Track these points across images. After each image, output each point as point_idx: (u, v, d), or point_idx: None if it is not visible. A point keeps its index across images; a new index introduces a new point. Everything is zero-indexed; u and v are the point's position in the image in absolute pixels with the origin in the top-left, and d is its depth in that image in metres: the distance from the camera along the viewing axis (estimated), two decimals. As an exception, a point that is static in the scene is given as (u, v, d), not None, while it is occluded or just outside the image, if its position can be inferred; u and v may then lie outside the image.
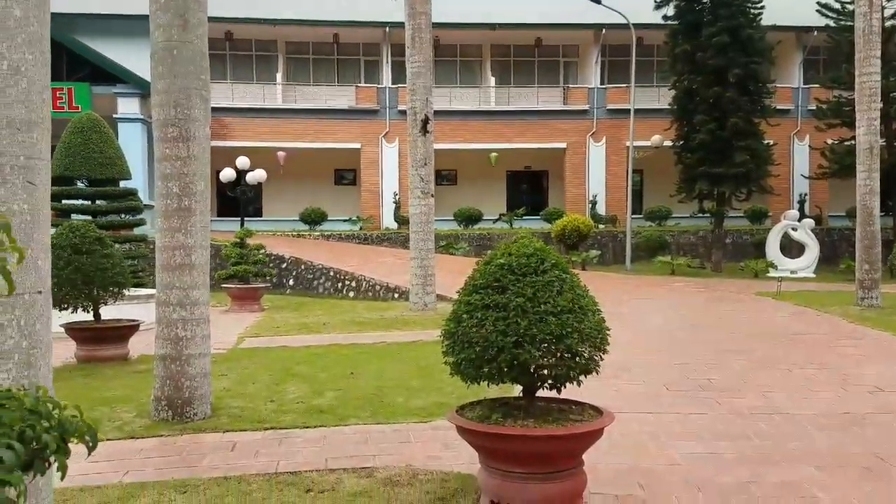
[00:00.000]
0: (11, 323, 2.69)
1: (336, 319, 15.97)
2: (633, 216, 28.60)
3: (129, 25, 29.42)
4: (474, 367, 5.26)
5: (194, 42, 7.30)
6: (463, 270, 20.29)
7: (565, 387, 5.43)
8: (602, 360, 5.46)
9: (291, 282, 22.98)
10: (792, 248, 27.60)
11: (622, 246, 27.98)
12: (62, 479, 1.94)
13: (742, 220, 31.30)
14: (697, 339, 11.98)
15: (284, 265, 23.19)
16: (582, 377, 5.33)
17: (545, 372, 5.29)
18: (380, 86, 33.63)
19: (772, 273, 24.79)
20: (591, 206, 32.28)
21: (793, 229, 26.84)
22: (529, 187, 36.34)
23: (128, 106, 28.14)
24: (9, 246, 1.69)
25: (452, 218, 31.54)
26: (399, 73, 33.30)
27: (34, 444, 1.81)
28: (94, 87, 27.38)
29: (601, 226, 30.37)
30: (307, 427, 6.75)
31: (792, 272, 25.33)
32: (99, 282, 10.96)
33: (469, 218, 31.60)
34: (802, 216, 29.65)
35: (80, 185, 20.89)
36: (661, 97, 31.73)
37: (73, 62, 27.23)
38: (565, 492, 5.12)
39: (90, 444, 2.00)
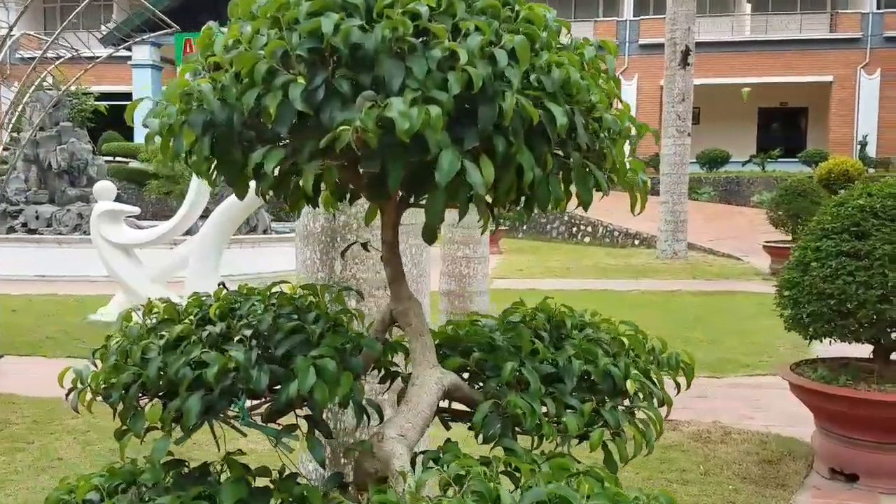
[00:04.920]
0: (404, 252, 2.51)
1: (579, 265, 15.79)
2: (910, 159, 25.28)
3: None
4: (825, 323, 4.72)
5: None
6: (710, 218, 18.90)
7: (933, 349, 4.75)
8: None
9: (524, 226, 22.89)
10: None
11: (898, 192, 24.83)
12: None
13: None
14: None
15: (519, 207, 23.13)
16: None
17: None
18: (619, 19, 32.23)
19: None
20: (860, 147, 28.93)
21: None
22: (783, 126, 33.28)
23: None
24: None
25: (695, 160, 29.74)
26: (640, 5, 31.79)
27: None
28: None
29: (871, 170, 27.18)
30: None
31: None
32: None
33: (714, 160, 29.60)
34: None
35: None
36: (952, 21, 27.49)
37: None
38: None
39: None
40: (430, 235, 1.41)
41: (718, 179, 27.68)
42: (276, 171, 1.30)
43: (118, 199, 11.69)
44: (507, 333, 1.65)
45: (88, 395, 1.52)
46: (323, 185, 1.43)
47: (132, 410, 1.44)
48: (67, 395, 1.55)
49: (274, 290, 1.70)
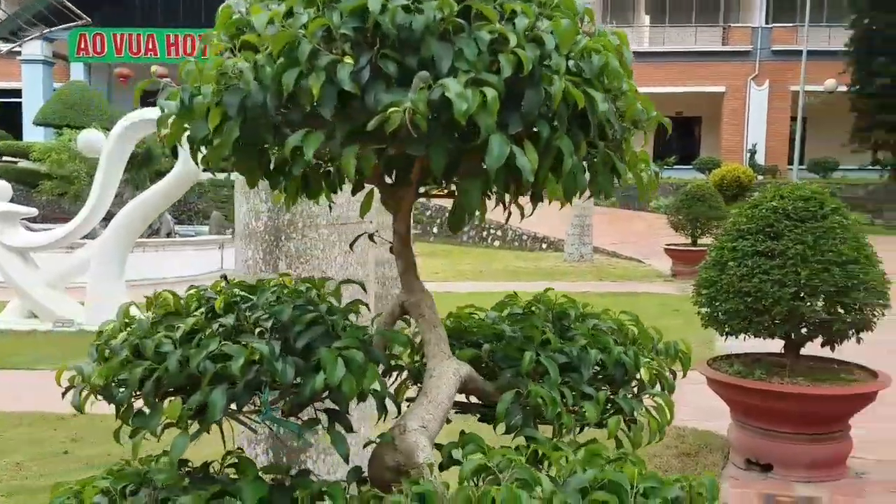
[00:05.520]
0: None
1: (490, 268, 16.01)
2: (796, 167, 26.83)
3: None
4: (741, 319, 4.94)
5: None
6: (613, 222, 19.58)
7: (841, 343, 5.04)
8: (884, 315, 5.00)
9: (436, 229, 23.00)
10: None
11: (784, 198, 26.28)
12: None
13: (918, 172, 28.76)
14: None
15: (429, 212, 23.22)
16: (862, 334, 4.96)
17: (819, 327, 4.92)
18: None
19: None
20: (749, 155, 30.49)
21: (984, 183, 24.44)
22: (678, 134, 34.70)
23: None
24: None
25: (598, 166, 30.61)
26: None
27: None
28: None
29: (760, 177, 28.69)
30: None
31: (981, 230, 23.10)
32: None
33: (615, 166, 30.56)
34: None
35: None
36: (832, 38, 29.33)
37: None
38: (831, 455, 4.83)
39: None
40: (459, 223, 1.39)
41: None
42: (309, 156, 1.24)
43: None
44: (516, 325, 1.65)
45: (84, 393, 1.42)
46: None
47: (149, 406, 1.35)
48: (64, 393, 1.44)
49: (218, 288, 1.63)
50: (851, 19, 25.83)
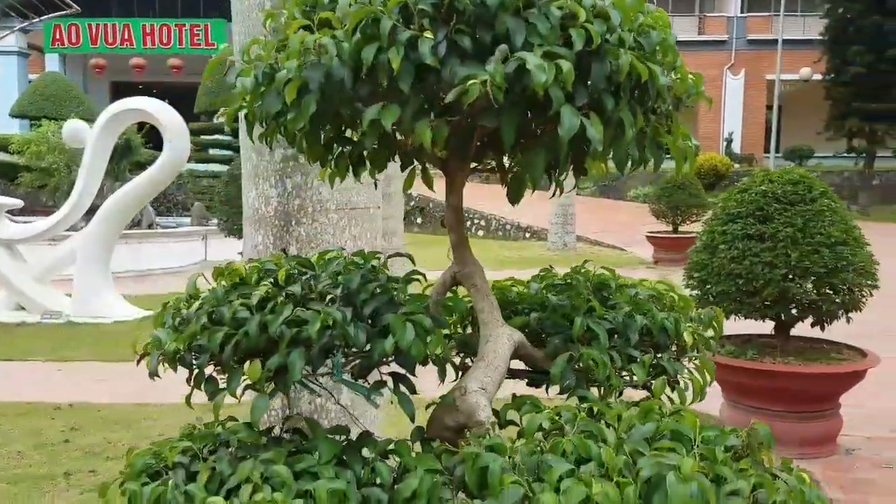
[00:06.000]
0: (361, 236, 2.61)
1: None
2: (772, 155, 27.16)
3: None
4: (732, 301, 5.05)
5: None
6: (594, 211, 19.81)
7: (831, 323, 5.16)
8: (871, 295, 5.14)
9: (419, 220, 23.03)
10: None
11: (761, 186, 26.60)
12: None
13: (891, 160, 29.20)
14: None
15: (412, 203, 23.23)
16: (851, 314, 5.09)
17: (809, 308, 5.04)
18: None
19: (929, 217, 23.12)
20: (726, 143, 30.82)
21: (954, 170, 24.88)
22: (656, 124, 34.98)
23: (260, 41, 28.48)
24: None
25: (577, 156, 30.78)
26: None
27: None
28: (230, 24, 27.79)
29: (737, 165, 29.01)
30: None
31: (952, 216, 23.55)
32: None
33: (594, 156, 30.79)
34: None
35: (222, 120, 21.51)
36: (806, 27, 29.67)
37: (209, -2, 27.63)
38: (822, 432, 4.98)
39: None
40: (518, 195, 1.45)
41: (599, 175, 28.79)
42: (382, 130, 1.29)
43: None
44: (560, 294, 1.72)
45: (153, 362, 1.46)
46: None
47: (228, 370, 1.41)
48: (139, 361, 1.48)
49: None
50: (826, 8, 26.11)
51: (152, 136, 18.40)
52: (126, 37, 29.09)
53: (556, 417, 1.31)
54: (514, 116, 1.26)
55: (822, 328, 5.16)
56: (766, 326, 5.30)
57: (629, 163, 1.43)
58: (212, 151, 22.87)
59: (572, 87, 1.22)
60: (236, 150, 20.71)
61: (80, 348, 8.15)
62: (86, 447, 5.08)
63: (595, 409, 1.35)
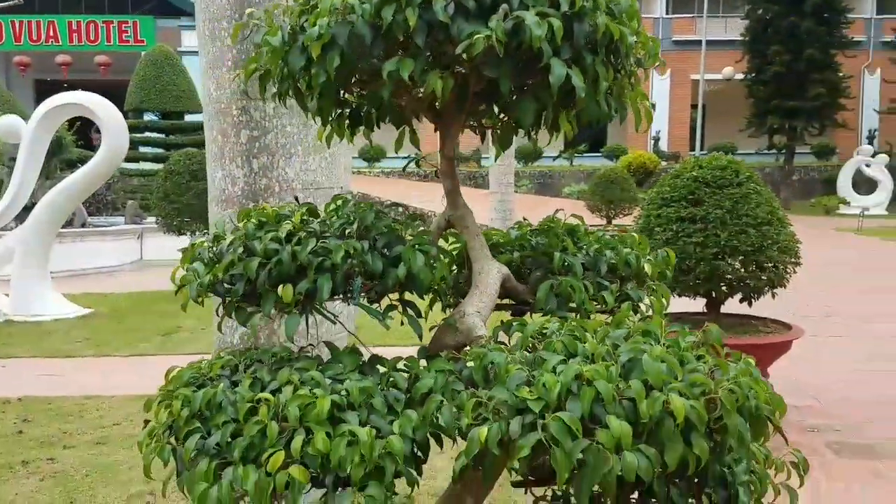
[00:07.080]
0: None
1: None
2: (698, 153, 28.16)
3: (190, -43, 29.10)
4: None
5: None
6: (531, 207, 20.47)
7: (758, 299, 5.52)
8: (795, 272, 5.52)
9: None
10: (861, 185, 27.01)
11: (688, 182, 27.53)
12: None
13: (808, 156, 30.62)
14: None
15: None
16: (776, 290, 5.46)
17: (737, 285, 5.39)
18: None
19: (843, 210, 24.41)
20: (653, 142, 31.80)
21: (866, 165, 26.25)
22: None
23: (193, 39, 28.06)
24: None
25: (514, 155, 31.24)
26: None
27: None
28: (159, 21, 27.31)
29: (664, 162, 29.97)
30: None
31: (864, 209, 24.86)
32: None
33: (529, 155, 31.32)
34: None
35: (152, 117, 21.14)
36: (728, 28, 30.84)
37: (138, -6, 27.09)
38: None
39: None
40: (508, 140, 1.66)
41: (534, 173, 29.40)
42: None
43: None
44: (537, 237, 1.95)
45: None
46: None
47: (263, 294, 1.58)
48: (177, 291, 1.63)
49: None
50: (746, 10, 27.21)
51: (82, 135, 18.00)
52: (51, 34, 28.30)
53: (545, 330, 1.53)
54: (510, 67, 1.48)
55: (750, 304, 5.51)
56: (698, 304, 5.64)
57: (599, 116, 1.66)
58: (142, 149, 22.44)
59: (560, 43, 1.45)
60: (168, 147, 20.39)
61: (22, 345, 8.04)
62: (41, 437, 5.09)
63: (575, 324, 1.58)
